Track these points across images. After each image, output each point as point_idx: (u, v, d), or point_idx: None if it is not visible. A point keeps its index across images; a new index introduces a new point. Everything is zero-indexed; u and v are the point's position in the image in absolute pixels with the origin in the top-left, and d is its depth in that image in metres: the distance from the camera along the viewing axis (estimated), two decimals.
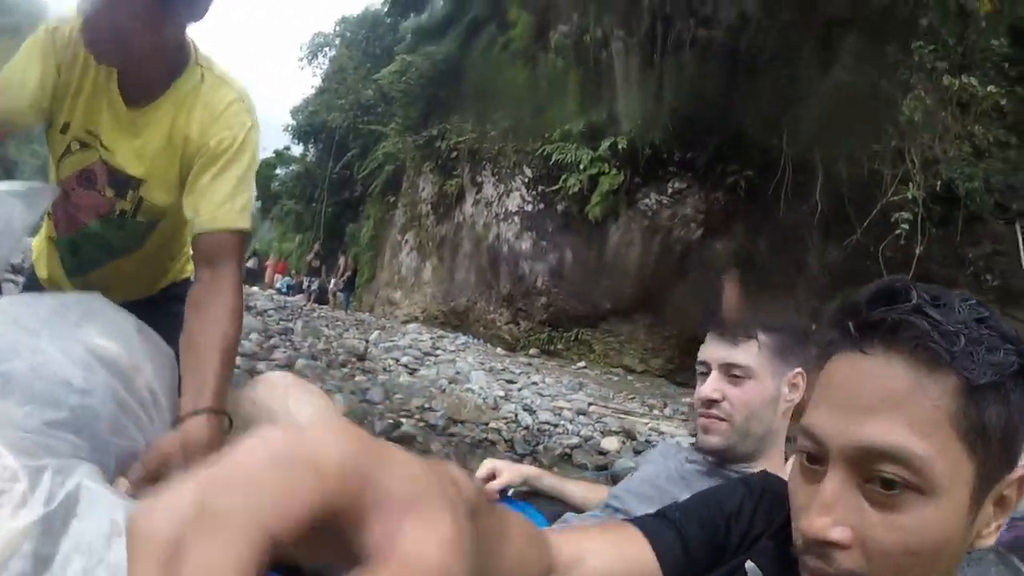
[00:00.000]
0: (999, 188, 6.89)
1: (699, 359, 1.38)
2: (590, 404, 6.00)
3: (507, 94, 11.30)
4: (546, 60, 10.26)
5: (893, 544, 0.55)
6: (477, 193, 12.13)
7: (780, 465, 1.34)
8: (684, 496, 0.89)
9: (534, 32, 10.58)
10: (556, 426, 5.11)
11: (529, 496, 1.66)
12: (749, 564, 0.70)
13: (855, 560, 0.56)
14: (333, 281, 17.65)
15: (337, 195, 21.99)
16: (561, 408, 5.65)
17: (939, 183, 6.82)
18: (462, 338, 10.41)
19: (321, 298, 16.41)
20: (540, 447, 4.62)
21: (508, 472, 1.62)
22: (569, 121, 9.57)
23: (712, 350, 1.36)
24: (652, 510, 0.87)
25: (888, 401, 0.56)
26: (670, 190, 8.49)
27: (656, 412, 6.45)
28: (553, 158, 9.67)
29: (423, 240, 14.24)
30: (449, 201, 13.05)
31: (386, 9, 19.48)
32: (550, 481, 1.67)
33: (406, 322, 12.39)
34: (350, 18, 24.28)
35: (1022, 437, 0.58)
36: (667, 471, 1.40)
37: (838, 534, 0.56)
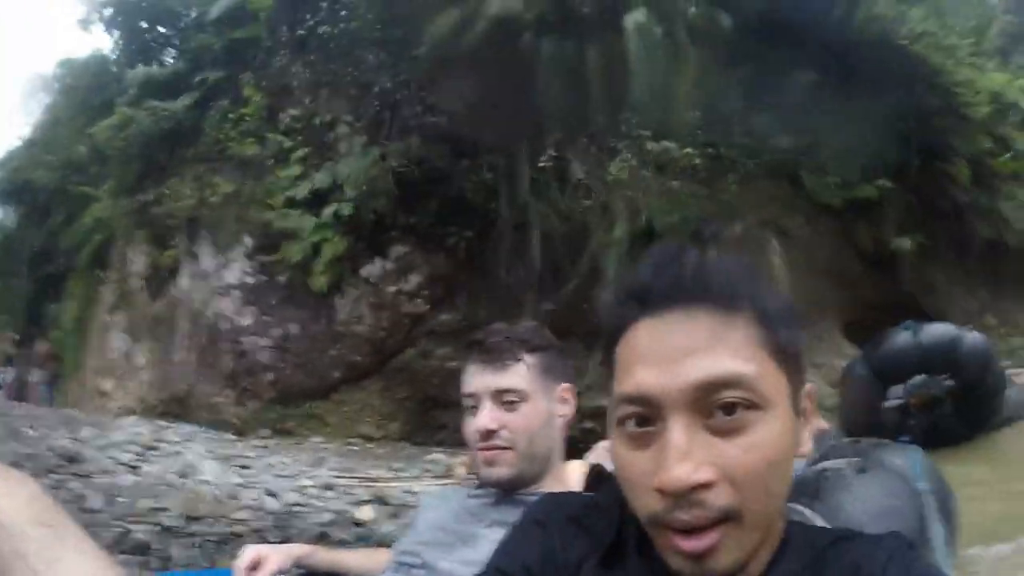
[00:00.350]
0: (692, 219, 7.88)
1: (465, 392, 1.33)
2: (336, 477, 5.93)
3: (236, 161, 10.60)
4: (274, 138, 10.03)
5: (755, 463, 0.58)
6: (194, 265, 10.90)
7: (561, 480, 1.35)
8: (481, 531, 1.23)
9: (266, 112, 10.47)
10: (305, 506, 5.01)
11: None
12: None
13: (727, 495, 0.58)
14: (34, 372, 15.47)
15: (38, 269, 18.61)
16: (306, 487, 5.51)
17: (644, 223, 7.63)
18: (186, 427, 9.36)
19: (20, 393, 14.69)
20: (293, 531, 4.50)
21: (275, 556, 1.42)
22: (293, 186, 9.26)
23: (480, 380, 1.30)
24: (450, 556, 1.20)
25: (706, 340, 0.60)
26: (393, 255, 8.27)
27: (404, 474, 6.50)
28: (275, 226, 9.18)
29: (135, 320, 12.44)
30: (163, 275, 11.55)
31: (115, 56, 17.17)
32: (324, 556, 1.51)
33: (120, 415, 10.82)
34: (74, 61, 21.00)
35: (804, 355, 0.66)
36: (453, 512, 1.35)
37: (704, 474, 0.57)
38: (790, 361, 0.64)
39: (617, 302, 0.68)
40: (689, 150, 7.75)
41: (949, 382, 6.69)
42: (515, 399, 1.27)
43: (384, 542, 4.54)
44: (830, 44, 9.27)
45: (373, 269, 8.40)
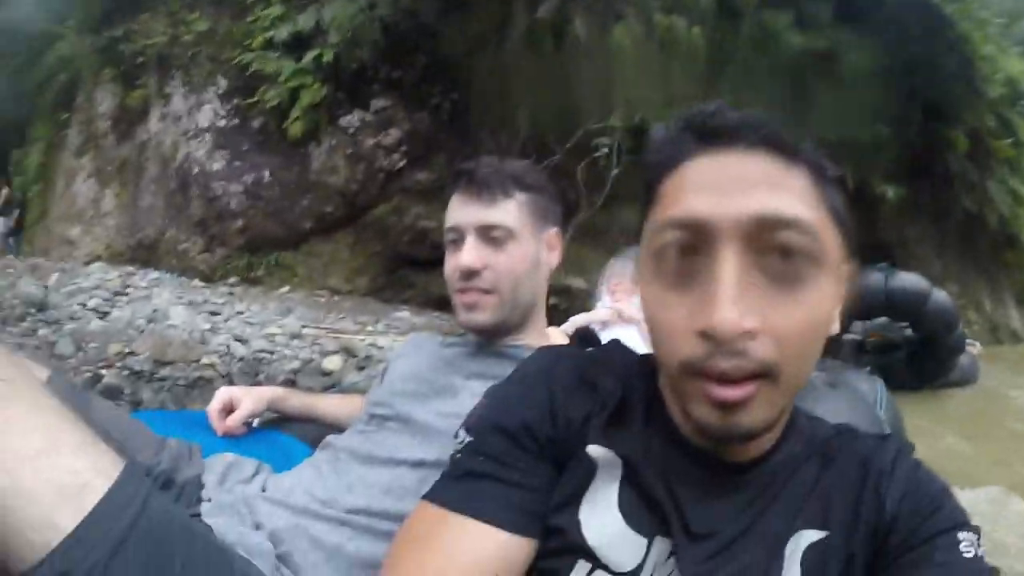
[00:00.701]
0: None
1: (448, 225, 1.21)
2: (303, 327, 5.88)
3: None
4: None
5: (801, 321, 0.56)
6: (164, 107, 10.43)
7: (543, 333, 1.30)
8: (458, 382, 1.17)
9: None
10: (272, 353, 4.95)
11: (279, 423, 1.49)
12: (590, 448, 0.69)
13: (769, 349, 0.55)
14: None
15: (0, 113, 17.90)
16: (274, 334, 5.45)
17: (637, 117, 7.27)
18: (154, 273, 9.27)
19: None
20: (261, 376, 4.51)
21: (248, 399, 1.38)
22: (274, 27, 8.70)
23: (465, 213, 1.18)
24: (425, 406, 1.14)
25: (769, 178, 0.57)
26: (373, 108, 7.95)
27: (370, 328, 6.48)
28: (252, 68, 8.68)
29: (102, 165, 11.97)
30: (132, 117, 11.06)
31: None
32: (298, 401, 1.47)
33: (88, 262, 10.58)
34: None
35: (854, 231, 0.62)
36: (427, 361, 1.27)
37: (751, 321, 0.54)
38: (843, 224, 0.61)
39: (670, 136, 0.64)
40: (696, 30, 7.39)
41: (908, 331, 6.88)
42: (502, 236, 1.17)
43: (356, 390, 4.62)
44: None
45: (351, 120, 8.05)
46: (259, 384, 4.24)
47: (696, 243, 0.57)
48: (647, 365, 0.74)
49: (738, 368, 0.55)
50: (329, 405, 1.47)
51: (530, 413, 0.70)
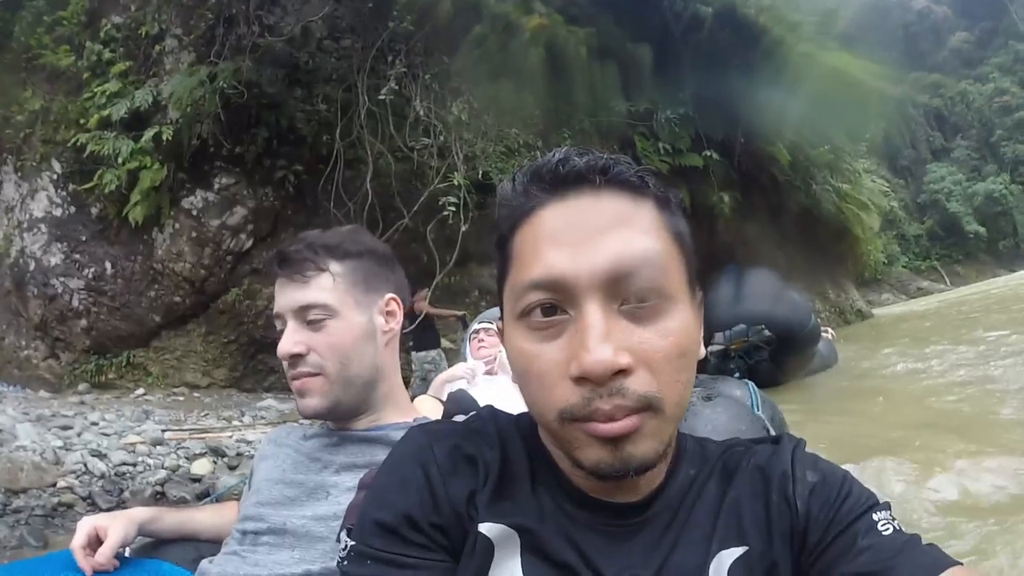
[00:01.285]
0: None
1: (274, 312, 1.15)
2: (164, 431, 5.57)
3: (47, 73, 9.40)
4: (92, 47, 8.90)
5: (669, 349, 0.57)
6: None
7: (408, 407, 1.21)
8: (329, 479, 1.07)
9: (86, 17, 9.27)
10: (135, 465, 4.66)
11: (155, 547, 1.32)
12: (482, 527, 0.64)
13: (644, 381, 0.56)
14: None
15: None
16: (134, 444, 5.11)
17: (480, 173, 7.60)
18: None
19: None
20: (126, 493, 4.23)
21: (116, 526, 1.20)
22: (110, 104, 8.29)
23: (282, 296, 1.12)
24: (299, 513, 1.03)
25: (616, 220, 0.58)
26: (217, 186, 7.69)
27: (236, 423, 6.22)
28: (88, 150, 8.19)
29: None
30: None
31: None
32: (172, 519, 1.31)
33: None
34: None
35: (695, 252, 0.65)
36: (291, 459, 1.16)
37: (624, 358, 0.55)
38: (687, 250, 0.63)
39: (518, 189, 0.63)
40: (531, 98, 7.80)
41: (766, 332, 7.37)
42: (320, 316, 1.09)
43: (232, 495, 4.40)
44: (676, 13, 9.79)
45: (195, 201, 7.75)
46: (125, 503, 4.02)
47: (558, 301, 0.58)
48: (524, 424, 0.72)
49: (619, 407, 0.55)
50: (206, 518, 1.33)
51: (409, 501, 0.65)
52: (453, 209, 7.18)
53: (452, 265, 7.46)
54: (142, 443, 5.07)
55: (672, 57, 9.47)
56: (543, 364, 0.59)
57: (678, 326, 0.58)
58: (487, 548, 0.63)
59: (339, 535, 0.75)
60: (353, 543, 0.67)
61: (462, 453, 0.68)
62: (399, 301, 1.18)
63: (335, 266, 1.11)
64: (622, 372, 0.55)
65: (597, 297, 0.57)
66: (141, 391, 7.97)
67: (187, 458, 4.83)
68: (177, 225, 7.88)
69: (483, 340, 3.15)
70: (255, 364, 8.29)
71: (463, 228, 7.17)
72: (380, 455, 0.94)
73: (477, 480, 0.66)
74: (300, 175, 7.64)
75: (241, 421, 6.25)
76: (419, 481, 0.66)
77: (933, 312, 14.81)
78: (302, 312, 1.09)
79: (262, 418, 6.45)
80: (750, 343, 7.65)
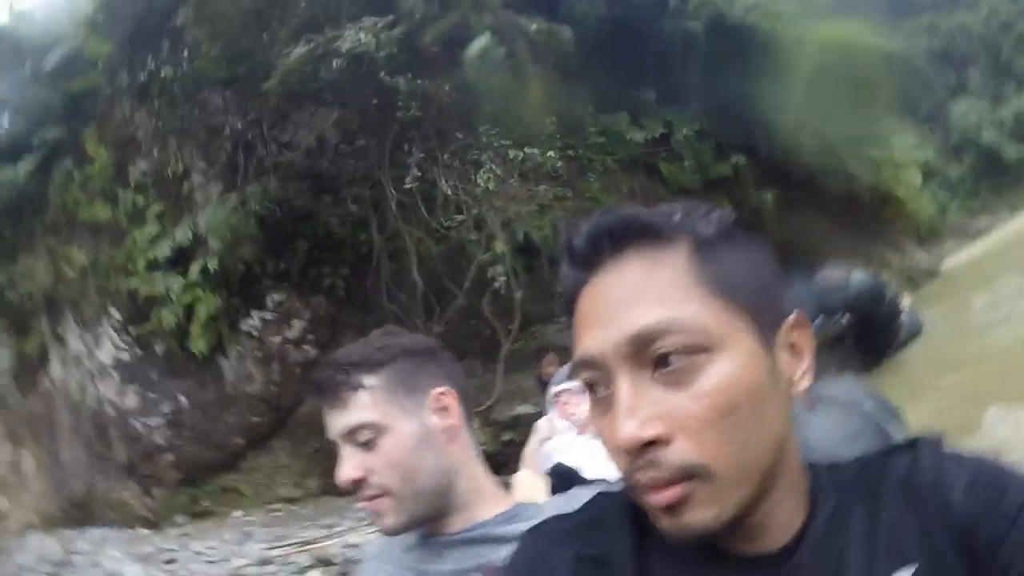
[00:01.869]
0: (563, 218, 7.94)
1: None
2: (268, 549, 5.52)
3: (88, 227, 9.77)
4: (126, 196, 9.32)
5: (707, 411, 0.54)
6: (62, 349, 10.04)
7: (499, 493, 1.13)
8: None
9: (113, 168, 9.63)
10: None
11: None
12: None
13: (682, 451, 0.54)
14: None
15: None
16: (240, 567, 5.08)
17: (522, 237, 7.66)
18: (95, 531, 8.60)
19: None
20: None
21: None
22: (153, 246, 8.63)
23: (330, 424, 1.07)
24: None
25: (635, 292, 0.57)
26: (271, 304, 7.89)
27: (338, 529, 6.10)
28: (142, 293, 8.55)
29: (12, 422, 11.26)
30: (32, 365, 10.49)
31: None
32: None
33: (20, 534, 9.55)
34: None
35: (778, 284, 0.62)
36: None
37: (651, 429, 0.54)
38: (744, 290, 0.57)
39: (565, 273, 0.64)
40: (551, 154, 7.84)
41: (845, 319, 7.36)
42: (369, 436, 1.03)
43: None
44: (668, 36, 9.81)
45: (252, 322, 7.99)
46: None
47: (599, 378, 0.58)
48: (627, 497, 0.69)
49: (655, 479, 0.54)
50: None
51: None
52: (504, 278, 7.20)
53: (516, 331, 7.48)
54: (249, 565, 5.04)
55: (674, 77, 9.44)
56: (603, 439, 0.59)
57: (720, 382, 0.54)
58: None
59: None
60: None
61: (587, 559, 0.64)
62: (452, 393, 1.08)
63: (369, 379, 1.04)
64: (655, 443, 0.54)
65: (624, 370, 0.56)
66: (239, 513, 8.01)
67: (296, 573, 4.80)
68: (240, 348, 8.11)
69: (567, 402, 3.03)
70: None
71: (517, 294, 7.18)
72: (486, 554, 0.93)
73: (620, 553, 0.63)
74: (347, 278, 7.83)
75: (342, 527, 6.20)
76: None
77: (1002, 250, 14.32)
78: (351, 436, 1.04)
79: (362, 520, 6.21)
80: (829, 335, 7.66)
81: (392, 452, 1.02)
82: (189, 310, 8.17)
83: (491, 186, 7.36)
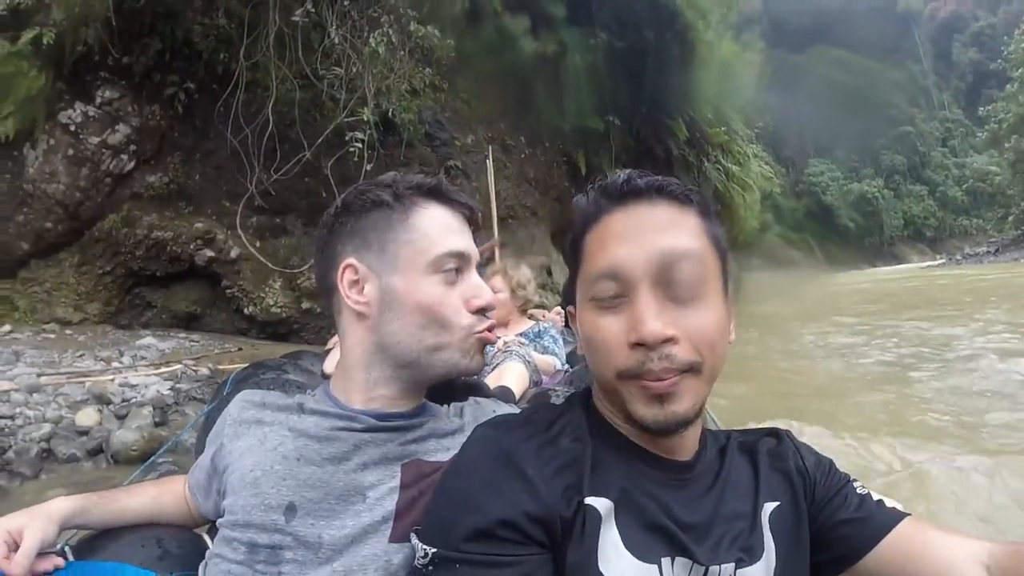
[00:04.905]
0: (429, 121, 8.19)
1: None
2: (40, 375, 4.91)
3: None
4: None
5: (707, 325, 0.74)
6: None
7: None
8: (363, 478, 0.90)
9: None
10: (13, 418, 4.02)
11: (106, 539, 1.03)
12: (589, 500, 0.73)
13: (688, 351, 0.72)
14: None
15: None
16: (7, 392, 4.42)
17: (389, 111, 7.44)
18: None
19: None
20: (10, 453, 3.66)
21: (33, 527, 0.92)
22: None
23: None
24: (339, 522, 0.87)
25: (669, 222, 0.76)
26: (99, 100, 7.12)
27: (116, 365, 5.68)
28: None
29: None
30: None
31: None
32: (100, 512, 1.02)
33: None
34: None
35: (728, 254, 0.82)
36: (292, 444, 0.93)
37: (673, 330, 0.71)
38: (722, 252, 0.79)
39: (590, 199, 0.81)
40: (450, 41, 7.68)
41: None
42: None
43: (120, 454, 3.86)
44: None
45: (73, 115, 7.09)
46: (9, 464, 3.55)
47: (619, 289, 0.74)
48: (578, 404, 0.85)
49: (667, 369, 0.71)
50: (143, 506, 1.08)
51: (505, 504, 0.70)
52: (360, 146, 6.92)
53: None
54: (16, 390, 4.45)
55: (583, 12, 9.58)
56: (607, 333, 0.75)
57: (713, 309, 0.75)
58: (596, 518, 0.73)
59: (414, 543, 0.74)
60: (436, 549, 0.70)
61: (550, 449, 0.76)
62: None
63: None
64: (669, 341, 0.71)
65: (649, 282, 0.73)
66: (6, 328, 7.17)
67: (69, 407, 4.33)
68: (52, 141, 7.16)
69: None
70: (132, 298, 7.78)
71: (367, 167, 6.94)
72: (407, 445, 0.93)
73: (570, 471, 0.75)
74: (191, 94, 7.17)
75: (121, 362, 5.79)
76: (513, 482, 0.72)
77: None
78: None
79: (143, 358, 6.05)
80: None
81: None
82: (6, 83, 7.05)
83: (380, 50, 7.04)
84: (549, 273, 9.57)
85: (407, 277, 0.94)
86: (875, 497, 0.86)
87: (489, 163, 6.54)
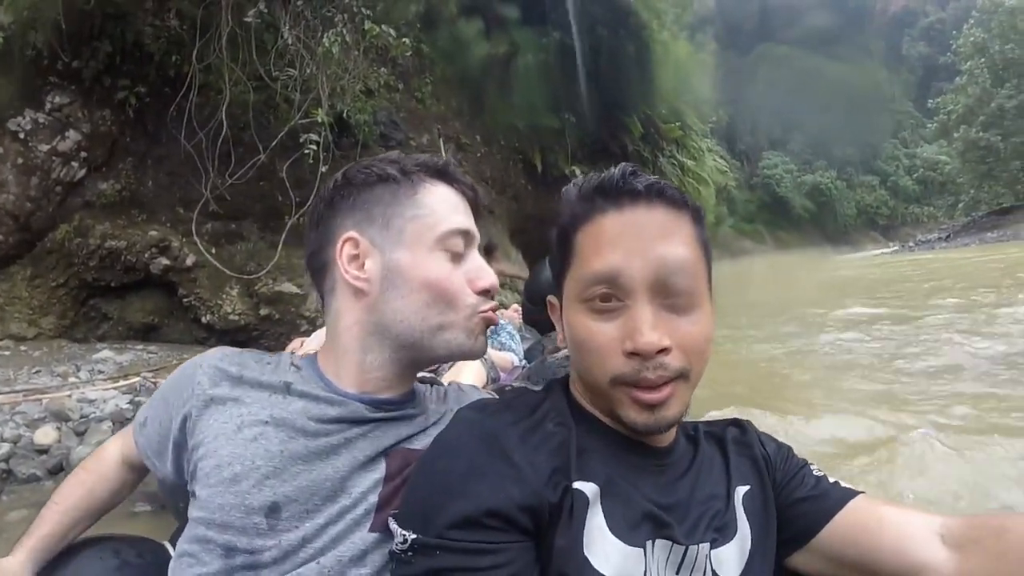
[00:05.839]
0: (384, 122, 8.19)
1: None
2: None
3: None
4: None
5: (699, 336, 0.76)
6: None
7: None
8: (351, 473, 0.86)
9: None
10: None
11: (68, 560, 1.01)
12: (577, 485, 0.74)
13: (680, 359, 0.75)
14: None
15: None
16: None
17: (344, 112, 7.42)
18: None
19: None
20: None
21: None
22: None
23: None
24: (321, 518, 0.83)
25: (665, 229, 0.76)
26: (49, 106, 7.01)
27: (73, 380, 5.59)
28: None
29: None
30: None
31: None
32: (57, 537, 1.01)
33: None
34: None
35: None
36: (275, 434, 0.87)
37: (667, 341, 0.73)
38: (709, 258, 0.81)
39: (582, 196, 0.80)
40: (406, 40, 7.67)
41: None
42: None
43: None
44: None
45: (22, 122, 6.95)
46: None
47: (614, 292, 0.75)
48: (558, 392, 0.86)
49: (660, 376, 0.73)
50: (80, 504, 1.05)
51: (492, 490, 0.69)
52: (314, 148, 6.90)
53: (308, 206, 7.15)
54: None
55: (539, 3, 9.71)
56: (601, 339, 0.76)
57: (704, 319, 0.77)
58: (583, 503, 0.73)
59: (393, 528, 0.73)
60: (416, 536, 0.69)
61: (536, 434, 0.76)
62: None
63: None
64: (664, 351, 0.74)
65: (644, 293, 0.74)
66: None
67: (27, 425, 4.27)
68: (1, 150, 7.00)
69: None
70: (87, 311, 7.61)
71: (322, 169, 6.87)
72: (395, 433, 0.90)
73: (556, 456, 0.75)
74: (143, 97, 7.07)
75: (78, 377, 5.71)
76: (500, 467, 0.71)
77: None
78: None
79: (100, 372, 5.96)
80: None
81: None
82: None
83: (334, 50, 7.03)
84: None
85: (413, 252, 0.92)
86: (831, 480, 0.90)
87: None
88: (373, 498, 0.85)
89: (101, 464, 1.07)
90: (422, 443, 0.90)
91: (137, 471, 1.06)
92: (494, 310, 0.96)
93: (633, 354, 0.73)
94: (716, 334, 0.81)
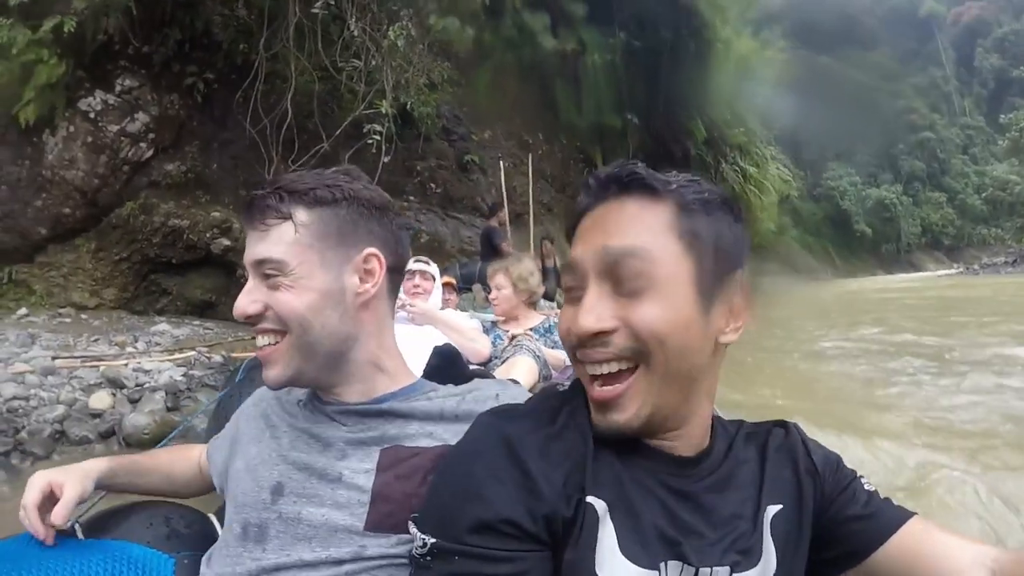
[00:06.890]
0: (447, 116, 8.23)
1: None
2: (55, 359, 4.93)
3: None
4: None
5: (653, 318, 0.70)
6: None
7: (399, 370, 1.02)
8: (338, 462, 0.91)
9: None
10: (27, 399, 4.09)
11: (112, 519, 1.06)
12: (590, 498, 0.71)
13: (625, 339, 0.71)
14: None
15: None
16: (22, 373, 4.46)
17: (408, 104, 7.48)
18: None
19: None
20: (23, 433, 3.73)
21: (71, 481, 0.99)
22: None
23: (247, 247, 0.94)
24: (316, 501, 0.88)
25: (625, 222, 0.74)
26: (119, 88, 7.17)
27: (130, 350, 5.73)
28: None
29: None
30: None
31: None
32: (126, 474, 1.11)
33: None
34: None
35: (737, 251, 0.77)
36: (287, 434, 0.97)
37: (606, 323, 0.71)
38: (703, 247, 0.73)
39: (581, 195, 0.81)
40: (470, 31, 7.69)
41: None
42: (274, 272, 0.91)
43: (134, 437, 3.95)
44: None
45: (93, 102, 7.17)
46: (22, 444, 3.64)
47: (577, 283, 0.76)
48: (578, 394, 0.81)
49: (604, 354, 0.72)
50: (161, 469, 1.17)
51: (509, 497, 0.69)
52: (378, 138, 6.89)
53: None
54: (31, 372, 4.49)
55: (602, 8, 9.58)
56: (563, 322, 0.78)
57: (658, 311, 0.71)
58: (594, 518, 0.71)
59: (413, 532, 0.73)
60: (436, 540, 0.69)
61: (554, 444, 0.74)
62: (380, 258, 0.97)
63: (302, 214, 0.93)
64: (604, 333, 0.72)
65: (595, 279, 0.74)
66: (24, 311, 7.28)
67: (83, 390, 4.35)
68: (72, 128, 7.24)
69: (419, 285, 2.88)
70: (148, 285, 7.84)
71: (385, 159, 6.91)
72: (383, 428, 0.93)
73: (572, 467, 0.73)
74: (210, 84, 7.20)
75: (135, 347, 5.83)
76: (517, 476, 0.70)
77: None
78: (259, 266, 0.93)
79: (157, 344, 6.10)
80: None
81: (293, 297, 0.91)
82: (28, 70, 7.14)
83: (400, 43, 7.07)
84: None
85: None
86: (882, 495, 0.85)
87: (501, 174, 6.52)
88: (365, 484, 0.88)
89: (190, 451, 1.22)
90: (418, 440, 0.92)
91: (206, 480, 1.16)
92: (258, 333, 0.96)
93: (574, 336, 0.74)
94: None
